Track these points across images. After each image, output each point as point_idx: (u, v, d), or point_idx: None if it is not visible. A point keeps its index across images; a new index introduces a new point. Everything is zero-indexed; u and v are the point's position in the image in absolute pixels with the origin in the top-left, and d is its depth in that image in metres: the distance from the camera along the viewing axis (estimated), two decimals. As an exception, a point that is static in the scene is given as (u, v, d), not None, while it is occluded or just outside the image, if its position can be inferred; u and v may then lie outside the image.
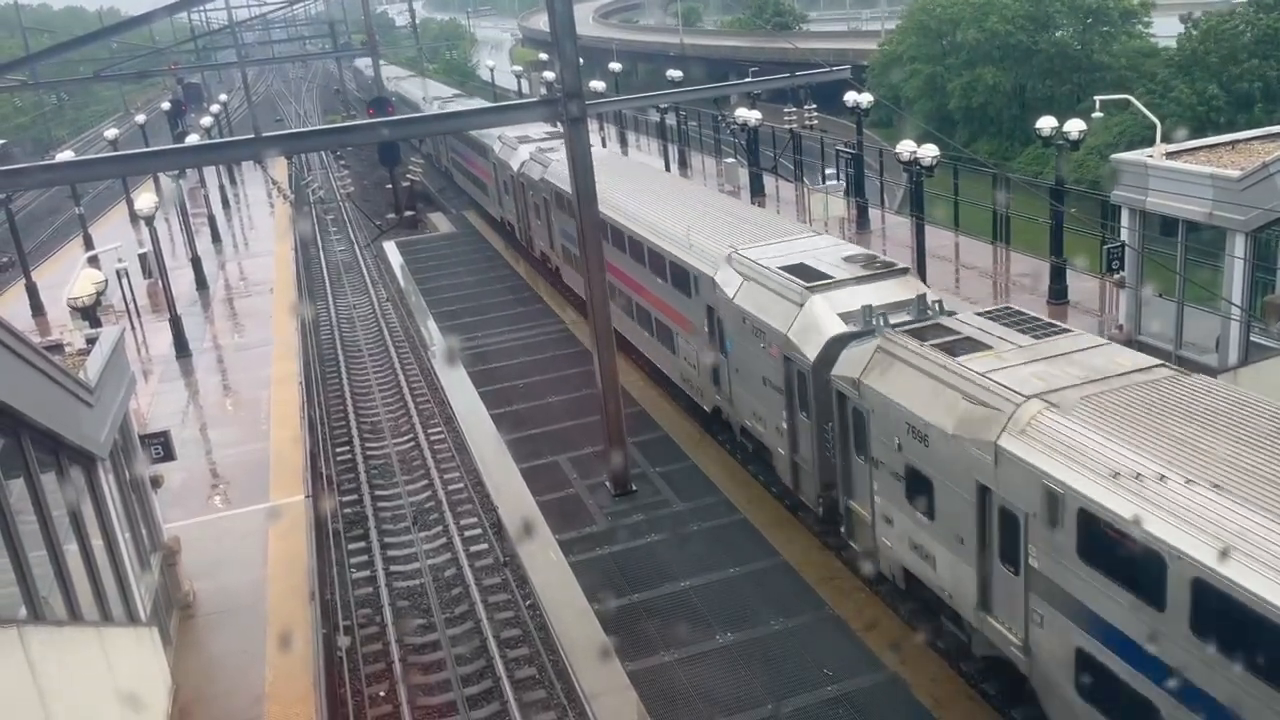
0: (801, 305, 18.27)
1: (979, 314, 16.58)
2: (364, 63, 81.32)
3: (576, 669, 15.97)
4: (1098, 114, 23.76)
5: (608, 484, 21.69)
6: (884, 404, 15.27)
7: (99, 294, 22.77)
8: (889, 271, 18.97)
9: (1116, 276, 23.02)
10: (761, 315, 19.26)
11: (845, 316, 17.61)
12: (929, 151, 25.65)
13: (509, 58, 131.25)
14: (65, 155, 42.80)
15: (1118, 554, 11.27)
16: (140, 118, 57.70)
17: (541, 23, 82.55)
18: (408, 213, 50.08)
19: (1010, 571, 13.21)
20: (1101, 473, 11.54)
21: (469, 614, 18.53)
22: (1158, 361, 13.91)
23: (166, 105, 63.60)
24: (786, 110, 40.86)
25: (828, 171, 36.94)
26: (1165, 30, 61.15)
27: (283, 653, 15.33)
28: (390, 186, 52.32)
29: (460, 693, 16.43)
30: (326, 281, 42.85)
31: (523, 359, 30.02)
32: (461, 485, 23.34)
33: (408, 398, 28.60)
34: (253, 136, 27.28)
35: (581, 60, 20.72)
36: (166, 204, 38.98)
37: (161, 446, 18.90)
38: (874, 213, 35.84)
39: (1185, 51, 52.13)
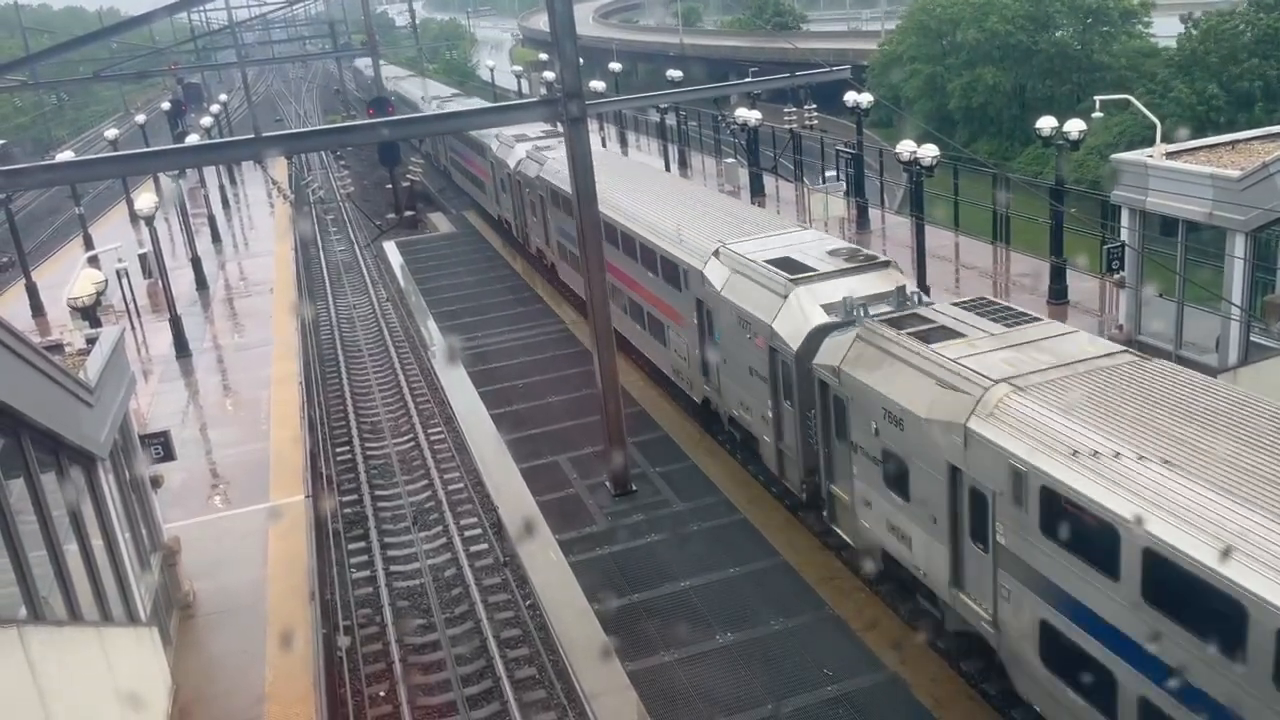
0: (785, 297, 18.77)
1: (954, 304, 17.13)
2: (364, 63, 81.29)
3: (576, 669, 15.98)
4: (1098, 114, 23.76)
5: (608, 484, 21.69)
6: (862, 391, 15.79)
7: (99, 294, 22.75)
8: (870, 264, 19.53)
9: (1116, 276, 23.02)
10: (747, 307, 19.77)
11: (827, 308, 18.14)
12: (929, 151, 25.64)
13: (509, 58, 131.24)
14: (65, 155, 42.80)
15: (1076, 528, 11.85)
16: (140, 118, 57.69)
17: (541, 23, 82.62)
18: (408, 213, 50.08)
19: (980, 549, 13.72)
20: (1062, 452, 12.09)
21: (469, 614, 18.53)
22: (1121, 348, 14.42)
23: (166, 105, 63.58)
24: (786, 110, 40.85)
25: (828, 174, 36.91)
26: (1165, 30, 61.12)
27: (283, 653, 15.33)
28: (390, 186, 52.32)
29: (460, 693, 16.43)
30: (326, 281, 42.84)
31: (523, 359, 30.02)
32: (461, 485, 23.34)
33: (408, 398, 28.60)
34: (253, 136, 27.28)
35: (581, 60, 20.76)
36: (166, 204, 38.99)
37: (161, 446, 18.91)
38: (874, 213, 35.86)
39: (1185, 51, 52.12)
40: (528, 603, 18.45)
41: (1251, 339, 19.80)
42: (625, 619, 17.26)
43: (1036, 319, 15.77)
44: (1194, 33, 52.52)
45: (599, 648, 16.31)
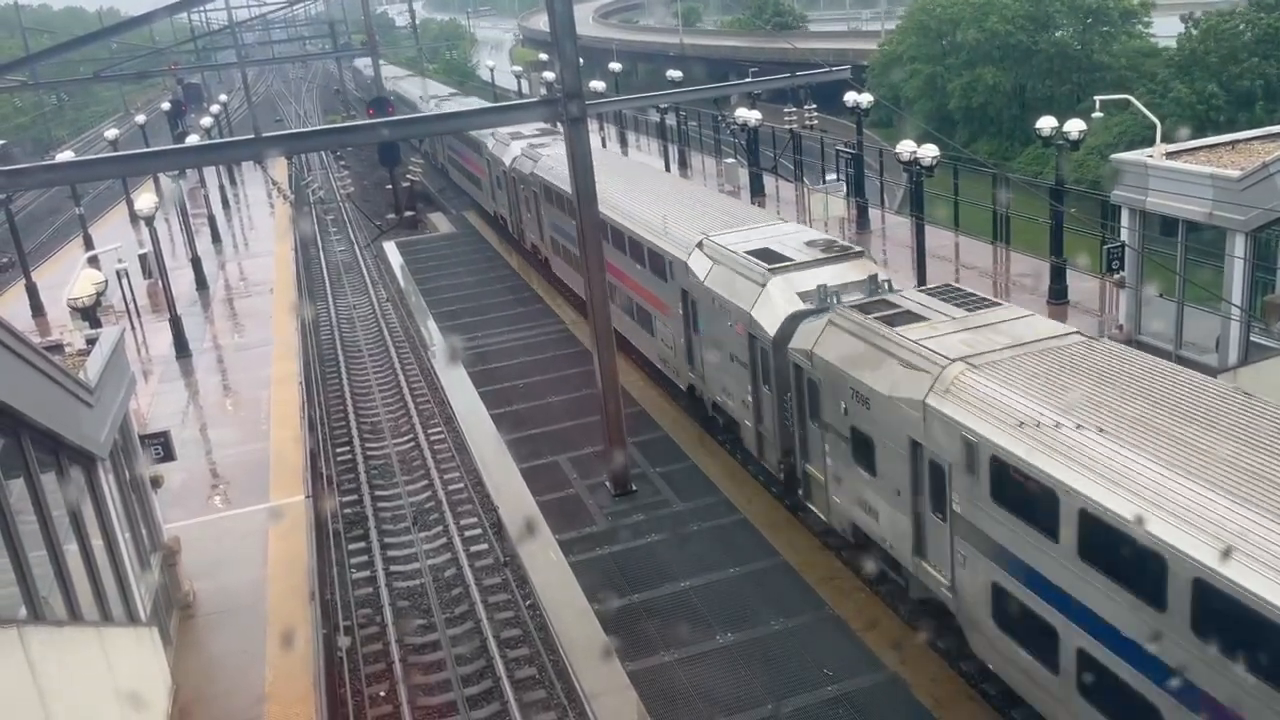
0: (763, 286, 19.57)
1: (920, 290, 18.13)
2: (364, 63, 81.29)
3: (577, 669, 15.98)
4: (1098, 114, 23.80)
5: (608, 484, 21.69)
6: (833, 372, 16.61)
7: (99, 294, 22.77)
8: (845, 254, 20.29)
9: (1116, 276, 23.03)
10: (728, 296, 20.51)
11: (803, 295, 19.01)
12: (929, 151, 25.67)
13: (509, 58, 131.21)
14: (65, 155, 42.76)
15: (1022, 494, 12.63)
16: (140, 118, 57.68)
17: (541, 23, 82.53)
18: (408, 213, 50.08)
19: (939, 519, 14.47)
20: (1010, 423, 12.87)
21: (469, 614, 18.53)
22: (1073, 329, 15.23)
23: (166, 105, 63.58)
24: (786, 110, 40.85)
25: (829, 176, 36.93)
26: (1165, 30, 61.10)
27: (283, 653, 15.32)
28: (390, 187, 52.32)
29: (460, 693, 16.43)
30: (326, 281, 42.84)
31: (523, 359, 30.03)
32: (461, 485, 23.34)
33: (408, 398, 28.60)
34: (253, 137, 27.27)
35: (581, 60, 20.79)
36: (166, 204, 38.99)
37: (161, 446, 18.91)
38: (874, 213, 35.85)
39: (1185, 51, 52.12)
40: (528, 603, 18.45)
41: (1251, 339, 19.82)
42: (625, 619, 17.26)
43: (997, 304, 16.67)
44: (1194, 32, 52.52)
45: (599, 648, 16.31)
